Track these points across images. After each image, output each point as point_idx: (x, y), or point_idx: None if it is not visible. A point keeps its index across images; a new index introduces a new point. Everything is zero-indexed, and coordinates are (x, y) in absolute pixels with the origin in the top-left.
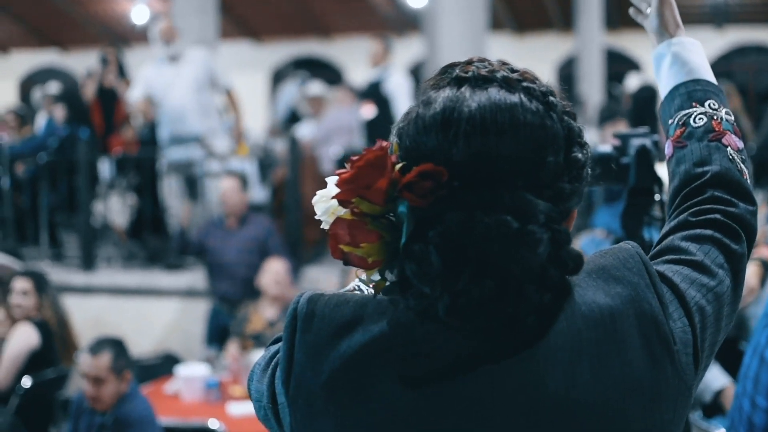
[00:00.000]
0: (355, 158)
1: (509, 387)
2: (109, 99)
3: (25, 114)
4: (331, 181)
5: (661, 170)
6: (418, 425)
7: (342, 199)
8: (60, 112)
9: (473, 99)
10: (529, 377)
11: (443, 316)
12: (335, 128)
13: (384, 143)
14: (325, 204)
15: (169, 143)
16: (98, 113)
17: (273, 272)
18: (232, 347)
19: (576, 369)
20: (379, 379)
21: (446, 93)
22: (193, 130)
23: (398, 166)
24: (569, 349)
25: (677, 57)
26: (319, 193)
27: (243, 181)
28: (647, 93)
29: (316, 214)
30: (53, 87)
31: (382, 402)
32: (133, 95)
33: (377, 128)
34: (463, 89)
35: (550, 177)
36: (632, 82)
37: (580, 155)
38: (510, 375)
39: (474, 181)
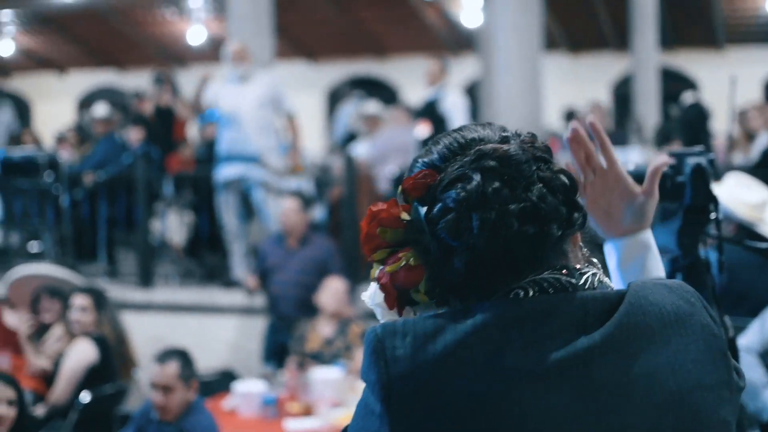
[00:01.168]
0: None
1: (598, 378)
2: (166, 118)
3: (84, 132)
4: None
5: (717, 189)
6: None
7: (370, 249)
8: (137, 134)
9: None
10: (616, 365)
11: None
12: (391, 147)
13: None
14: (370, 291)
15: (226, 160)
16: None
17: (332, 290)
18: (292, 364)
19: (652, 358)
20: (473, 374)
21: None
22: (251, 149)
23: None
24: (640, 339)
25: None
26: (363, 294)
27: (304, 201)
28: (696, 111)
29: (368, 259)
30: (100, 110)
31: (482, 397)
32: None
33: None
34: None
35: None
36: (688, 100)
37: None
38: (593, 365)
39: None
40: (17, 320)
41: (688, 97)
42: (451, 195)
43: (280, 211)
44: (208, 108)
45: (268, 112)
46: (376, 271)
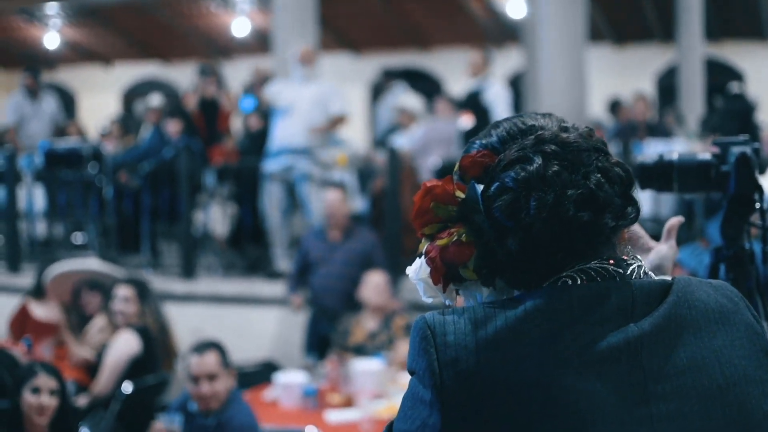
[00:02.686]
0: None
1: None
2: (210, 110)
3: (128, 124)
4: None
5: (762, 178)
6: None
7: (421, 223)
8: (175, 126)
9: None
10: (665, 355)
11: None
12: (434, 139)
13: None
14: (415, 266)
15: (275, 152)
16: (200, 124)
17: (374, 284)
18: (334, 356)
19: (698, 351)
20: (529, 356)
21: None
22: (300, 143)
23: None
24: (687, 331)
25: None
26: (408, 269)
27: (345, 192)
28: (741, 103)
29: (417, 234)
30: (155, 99)
31: (536, 381)
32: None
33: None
34: None
35: None
36: (734, 91)
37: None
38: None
39: None
40: (47, 312)
41: (733, 88)
42: (510, 175)
43: (324, 203)
44: (268, 103)
45: (318, 114)
46: (424, 246)
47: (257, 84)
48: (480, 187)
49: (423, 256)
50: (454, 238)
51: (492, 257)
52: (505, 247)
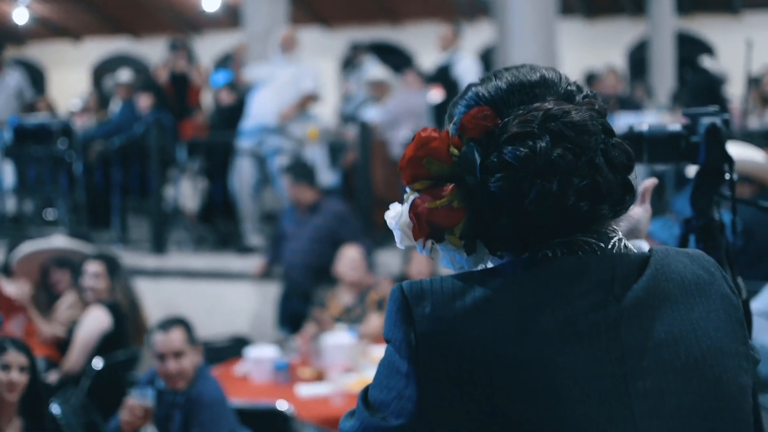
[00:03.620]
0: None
1: (627, 334)
2: (181, 84)
3: (103, 98)
4: (394, 206)
5: (731, 149)
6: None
7: (411, 175)
8: (146, 100)
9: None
10: (643, 329)
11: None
12: (404, 112)
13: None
14: (395, 212)
15: (249, 132)
16: (171, 99)
17: (349, 259)
18: (310, 328)
19: (675, 324)
20: (507, 327)
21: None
22: (273, 123)
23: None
24: (664, 305)
25: None
26: (387, 214)
27: (303, 171)
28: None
29: (404, 182)
30: (124, 75)
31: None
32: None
33: (445, 112)
34: None
35: None
36: (705, 64)
37: None
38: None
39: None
40: (17, 289)
41: (704, 62)
42: (514, 152)
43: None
44: (246, 84)
45: (290, 93)
46: (410, 197)
47: (238, 58)
48: (478, 153)
49: (407, 206)
50: (446, 202)
51: (479, 225)
52: (498, 223)
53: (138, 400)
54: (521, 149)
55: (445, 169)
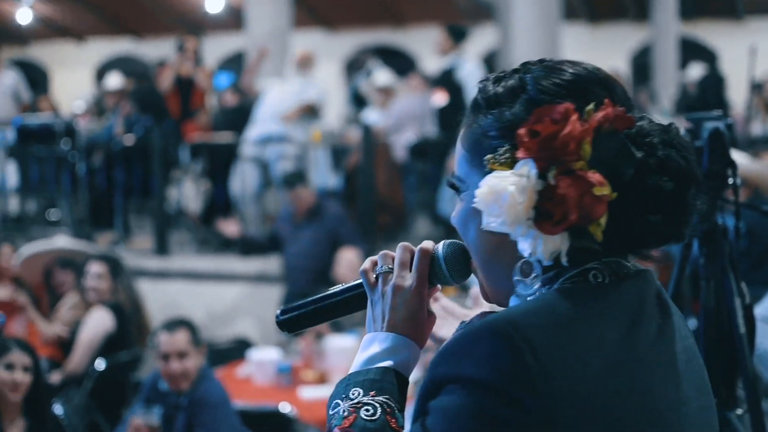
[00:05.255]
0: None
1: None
2: (186, 86)
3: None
4: (487, 180)
5: (735, 154)
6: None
7: (554, 152)
8: (127, 108)
9: None
10: (681, 351)
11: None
12: (407, 116)
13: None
14: (492, 187)
15: (255, 141)
16: (175, 100)
17: (347, 261)
18: (309, 333)
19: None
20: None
21: None
22: (276, 132)
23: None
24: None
25: None
26: (486, 186)
27: (300, 175)
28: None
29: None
30: (112, 81)
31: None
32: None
33: (449, 116)
34: None
35: None
36: (694, 71)
37: None
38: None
39: None
40: (4, 293)
41: (694, 68)
42: (678, 159)
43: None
44: (257, 93)
45: (293, 102)
46: (554, 173)
47: (254, 63)
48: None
49: (517, 185)
50: (606, 192)
51: (625, 224)
52: (641, 218)
53: (143, 419)
54: (680, 159)
55: (591, 155)
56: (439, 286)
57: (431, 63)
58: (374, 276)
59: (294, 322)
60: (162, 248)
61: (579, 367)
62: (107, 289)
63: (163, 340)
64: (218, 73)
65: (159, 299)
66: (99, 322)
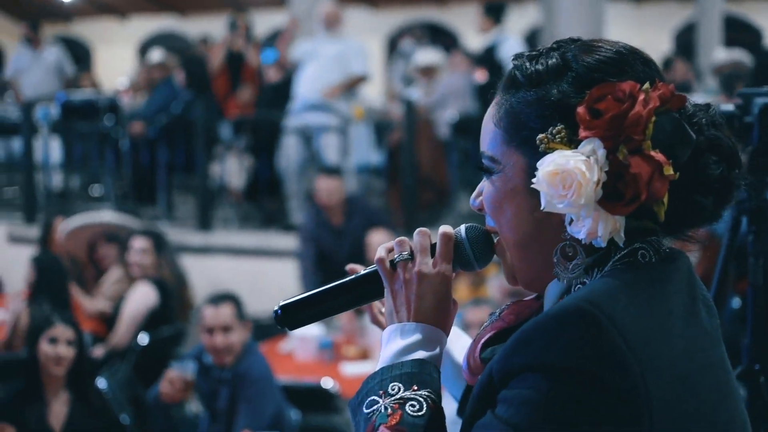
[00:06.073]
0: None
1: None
2: (236, 63)
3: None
4: (550, 158)
5: None
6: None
7: (619, 131)
8: (182, 77)
9: None
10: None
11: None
12: (449, 93)
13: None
14: (557, 166)
15: (296, 110)
16: (225, 77)
17: (376, 245)
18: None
19: None
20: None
21: None
22: (320, 101)
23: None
24: None
25: None
26: (552, 164)
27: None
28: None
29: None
30: (155, 55)
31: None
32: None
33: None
34: None
35: None
36: (719, 56)
37: None
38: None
39: None
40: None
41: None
42: (728, 142)
43: (319, 191)
44: (293, 63)
45: (337, 72)
46: (624, 153)
47: (287, 35)
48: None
49: (577, 162)
50: (671, 171)
51: (683, 205)
52: (699, 202)
53: (179, 372)
54: (727, 140)
55: (653, 135)
56: (459, 271)
57: (474, 40)
58: (390, 264)
59: (295, 317)
60: (205, 224)
61: (663, 346)
62: (151, 264)
63: (208, 313)
64: (264, 50)
65: (201, 275)
66: (142, 297)
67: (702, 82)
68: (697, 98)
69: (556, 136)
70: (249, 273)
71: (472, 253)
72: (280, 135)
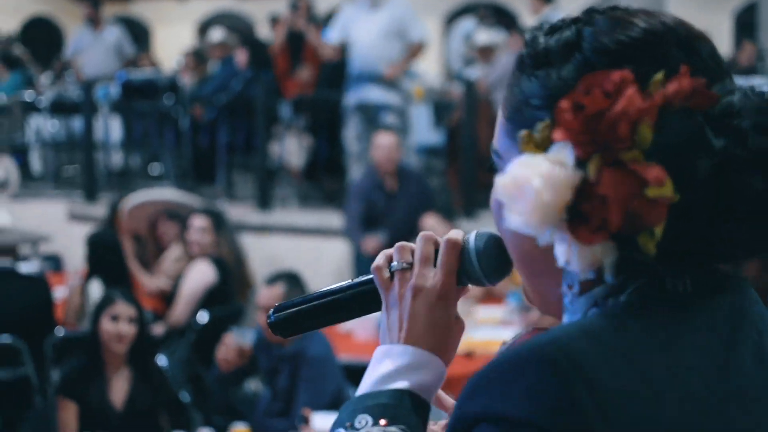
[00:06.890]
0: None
1: None
2: (297, 42)
3: (201, 56)
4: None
5: None
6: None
7: (593, 137)
8: (243, 56)
9: None
10: None
11: None
12: (509, 73)
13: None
14: (513, 179)
15: (356, 85)
16: (285, 56)
17: (430, 228)
18: None
19: None
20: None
21: None
22: (380, 75)
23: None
24: None
25: None
26: (509, 174)
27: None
28: None
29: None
30: (216, 34)
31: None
32: (332, 37)
33: None
34: None
35: None
36: None
37: None
38: None
39: None
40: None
41: None
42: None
43: (378, 149)
44: (340, 40)
45: (395, 42)
46: (596, 165)
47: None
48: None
49: (540, 176)
50: (667, 191)
51: (677, 228)
52: (718, 226)
53: (236, 339)
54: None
55: (652, 142)
56: (469, 286)
57: (531, 20)
58: (388, 274)
59: (290, 324)
60: (264, 203)
61: (651, 407)
62: (210, 242)
63: (263, 293)
64: (325, 29)
65: (260, 254)
66: (201, 275)
67: (765, 63)
68: (759, 80)
69: (537, 135)
70: (308, 252)
71: (478, 266)
72: (339, 114)
